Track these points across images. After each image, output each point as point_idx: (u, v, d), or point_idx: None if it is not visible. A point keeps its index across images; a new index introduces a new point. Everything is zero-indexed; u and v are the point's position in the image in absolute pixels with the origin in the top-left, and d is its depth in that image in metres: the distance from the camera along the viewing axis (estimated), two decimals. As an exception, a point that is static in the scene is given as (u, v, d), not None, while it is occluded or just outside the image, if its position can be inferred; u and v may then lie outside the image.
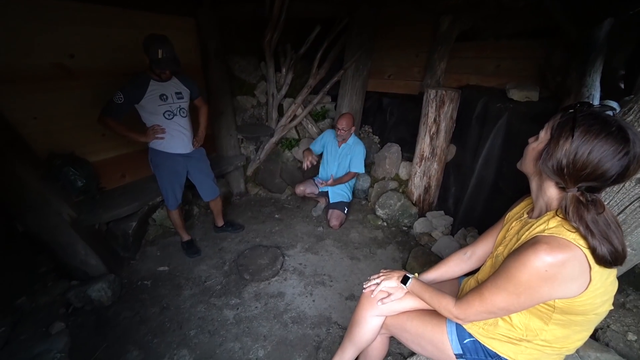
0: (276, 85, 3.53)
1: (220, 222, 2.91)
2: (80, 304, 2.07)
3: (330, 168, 3.18)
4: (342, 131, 2.93)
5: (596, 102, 1.84)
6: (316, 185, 3.17)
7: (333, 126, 3.67)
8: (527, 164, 0.93)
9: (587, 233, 0.76)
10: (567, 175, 0.79)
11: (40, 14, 2.05)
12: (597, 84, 1.86)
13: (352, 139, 3.07)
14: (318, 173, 3.35)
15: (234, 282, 2.34)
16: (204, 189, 2.60)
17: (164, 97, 2.15)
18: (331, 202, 3.13)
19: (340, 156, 3.11)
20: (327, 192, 3.17)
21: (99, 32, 2.34)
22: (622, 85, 1.95)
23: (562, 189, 0.84)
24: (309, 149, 3.22)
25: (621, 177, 0.75)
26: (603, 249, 0.75)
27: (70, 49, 2.23)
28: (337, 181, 3.06)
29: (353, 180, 3.25)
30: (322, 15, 3.24)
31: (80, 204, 2.33)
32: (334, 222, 2.97)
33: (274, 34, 3.13)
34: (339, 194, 3.13)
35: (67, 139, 2.32)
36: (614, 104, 1.88)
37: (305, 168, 3.06)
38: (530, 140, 0.93)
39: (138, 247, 2.67)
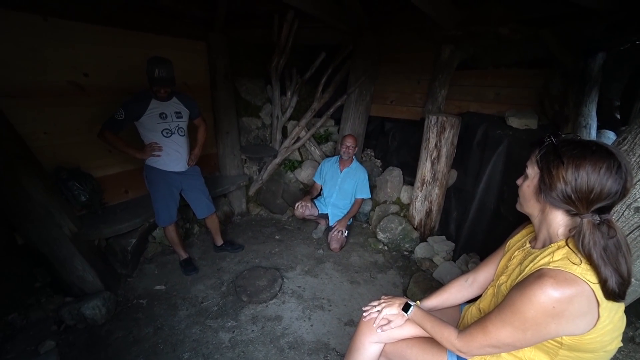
0: (281, 108, 3.62)
1: (219, 241, 2.89)
2: (73, 321, 2.02)
3: (329, 195, 3.15)
4: (349, 148, 2.95)
5: (593, 131, 1.87)
6: (316, 206, 3.15)
7: (330, 154, 3.75)
8: (528, 203, 0.93)
9: (599, 262, 0.74)
10: (577, 201, 0.79)
11: (61, 36, 2.18)
12: (594, 113, 1.90)
13: (355, 164, 3.08)
14: (320, 194, 3.33)
15: (231, 303, 2.29)
16: (198, 206, 2.60)
17: (164, 115, 2.21)
18: (331, 224, 3.10)
19: (342, 181, 3.09)
20: (327, 214, 3.15)
21: (113, 52, 2.46)
22: (618, 116, 1.99)
23: (573, 215, 0.82)
24: (307, 195, 3.20)
25: (624, 190, 0.76)
26: (613, 281, 0.73)
27: (85, 68, 2.34)
28: (348, 216, 3.05)
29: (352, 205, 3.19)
30: (327, 42, 3.38)
31: (82, 218, 2.34)
32: (334, 245, 2.94)
33: (280, 58, 3.25)
34: (339, 216, 3.11)
35: (74, 154, 2.37)
36: (611, 134, 1.91)
37: (298, 212, 3.05)
38: (519, 182, 0.96)
39: (136, 264, 2.64)
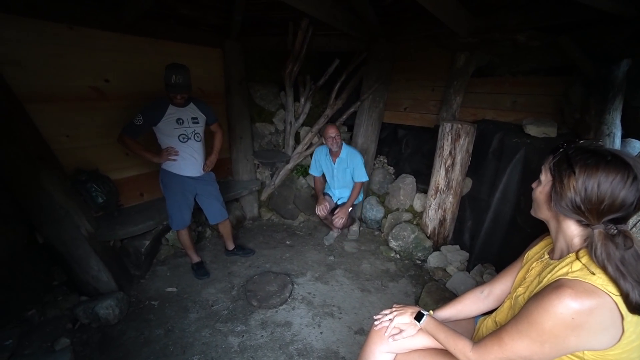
0: (294, 114, 3.65)
1: (230, 246, 2.90)
2: (87, 320, 2.06)
3: (332, 185, 3.15)
4: (335, 139, 2.83)
5: (618, 140, 1.81)
6: (331, 196, 3.16)
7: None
8: (541, 209, 0.91)
9: (617, 275, 0.71)
10: (586, 212, 0.77)
11: (85, 43, 2.27)
12: (618, 122, 1.83)
13: (345, 151, 2.96)
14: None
15: (241, 307, 2.29)
16: (211, 212, 2.62)
17: (180, 121, 2.26)
18: (339, 203, 3.09)
19: (337, 171, 3.03)
20: (334, 196, 3.15)
21: (133, 59, 2.55)
22: (645, 124, 1.91)
23: (585, 225, 0.80)
24: (323, 194, 3.16)
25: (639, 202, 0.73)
26: (636, 295, 0.69)
27: (106, 74, 2.42)
28: (349, 203, 2.98)
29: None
30: (341, 49, 3.40)
31: (99, 219, 2.40)
32: (338, 225, 2.94)
33: (294, 65, 3.28)
34: (347, 197, 3.09)
35: (93, 156, 2.45)
36: (637, 143, 1.84)
37: (320, 213, 3.00)
38: (534, 185, 0.94)
39: (149, 266, 2.68)
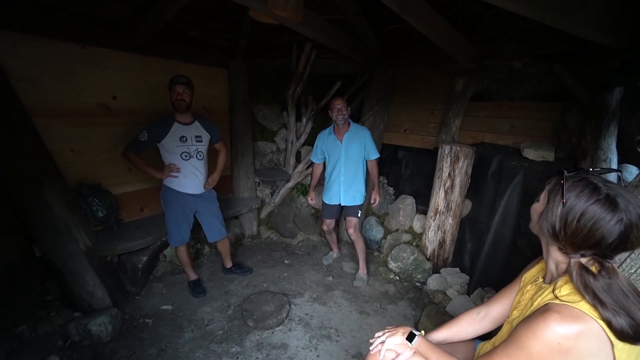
0: (296, 133, 3.71)
1: (228, 264, 2.88)
2: (79, 337, 2.02)
3: (336, 175, 2.77)
4: (342, 110, 2.58)
5: (614, 165, 1.83)
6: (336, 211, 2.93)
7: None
8: (533, 225, 0.93)
9: (595, 302, 0.72)
10: (563, 241, 0.79)
11: (95, 61, 2.36)
12: (613, 147, 1.86)
13: (354, 125, 2.73)
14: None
15: (236, 327, 2.24)
16: (210, 230, 2.61)
17: (184, 138, 2.29)
18: (344, 204, 2.79)
19: (346, 148, 2.70)
20: (339, 204, 2.83)
21: (140, 77, 2.63)
22: (640, 150, 1.94)
23: (565, 253, 0.83)
24: (311, 189, 3.01)
25: (623, 244, 0.74)
26: (620, 321, 0.69)
27: (114, 91, 2.50)
28: (376, 185, 2.81)
29: (364, 175, 2.84)
30: (343, 71, 3.50)
31: (98, 233, 2.40)
32: (351, 231, 2.81)
33: (297, 86, 3.37)
34: (354, 196, 2.78)
35: (96, 171, 2.48)
36: (634, 169, 1.86)
37: (310, 202, 3.01)
38: (535, 201, 0.95)
39: (145, 282, 2.64)
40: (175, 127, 2.26)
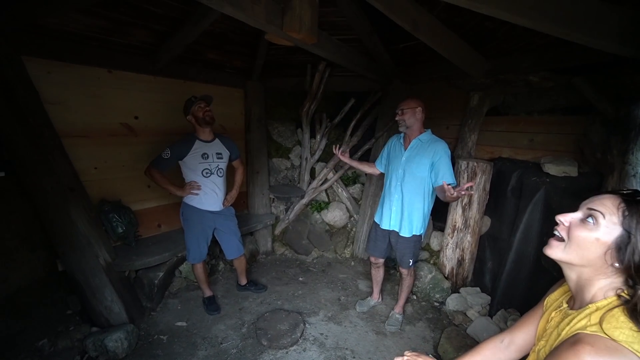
0: (310, 150, 3.74)
1: (243, 281, 2.87)
2: (96, 353, 2.04)
3: (395, 183, 2.22)
4: (405, 114, 2.12)
5: (643, 180, 1.74)
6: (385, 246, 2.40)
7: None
8: (588, 254, 0.75)
9: None
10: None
11: (120, 85, 2.49)
12: (642, 162, 1.77)
13: (427, 134, 2.18)
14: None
15: (250, 346, 2.21)
16: (228, 247, 2.62)
17: (205, 155, 2.33)
18: (404, 235, 2.23)
19: (407, 160, 2.16)
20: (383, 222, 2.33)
21: (161, 98, 2.75)
22: (672, 165, 1.84)
23: (630, 285, 0.72)
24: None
25: None
26: None
27: (136, 112, 2.62)
28: (456, 189, 1.80)
29: (428, 203, 2.20)
30: (357, 89, 3.55)
31: (116, 249, 2.46)
32: (404, 271, 2.35)
33: (311, 104, 3.43)
34: (416, 226, 2.20)
35: (118, 188, 2.57)
36: (665, 184, 1.76)
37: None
38: (567, 219, 0.80)
39: (161, 298, 2.67)
40: (197, 144, 2.31)
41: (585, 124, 2.20)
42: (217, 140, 2.43)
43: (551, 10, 1.42)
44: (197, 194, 2.35)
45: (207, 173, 2.35)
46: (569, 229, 0.79)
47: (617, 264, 0.72)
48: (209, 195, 2.40)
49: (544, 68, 2.24)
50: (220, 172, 2.44)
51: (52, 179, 2.08)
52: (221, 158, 2.43)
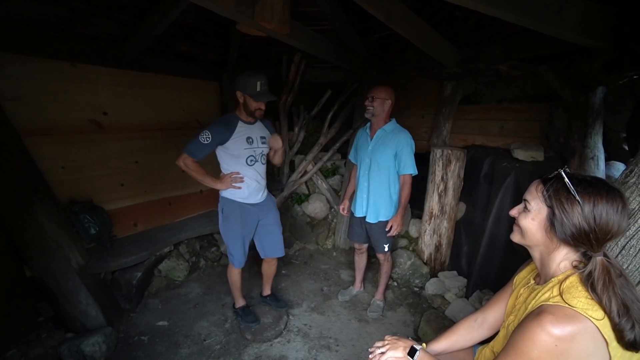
0: (289, 143, 3.72)
1: (267, 290, 2.53)
2: (71, 359, 1.96)
3: (362, 180, 2.29)
4: (374, 101, 2.12)
5: (601, 163, 1.86)
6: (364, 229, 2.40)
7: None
8: (534, 236, 0.88)
9: (620, 310, 0.71)
10: (594, 240, 0.77)
11: (87, 79, 2.37)
12: (600, 145, 1.89)
13: (392, 124, 2.20)
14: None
15: (234, 341, 2.20)
16: (269, 244, 2.27)
17: (250, 140, 1.99)
18: (369, 221, 2.29)
19: (373, 150, 2.20)
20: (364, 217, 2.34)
21: (132, 92, 2.64)
22: (626, 147, 1.98)
23: (583, 253, 0.81)
24: (345, 196, 2.57)
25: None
26: (631, 335, 0.70)
27: (104, 107, 2.50)
28: (402, 209, 2.17)
29: (396, 190, 2.24)
30: (334, 80, 3.54)
31: (90, 251, 2.37)
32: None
33: (288, 96, 3.40)
34: (382, 212, 2.25)
35: (88, 187, 2.46)
36: (621, 166, 1.89)
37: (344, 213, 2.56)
38: (514, 213, 0.94)
39: (140, 298, 2.60)
40: (240, 126, 1.96)
41: (550, 110, 2.31)
42: (259, 122, 2.07)
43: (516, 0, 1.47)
44: (239, 188, 2.01)
45: (251, 161, 1.99)
46: (518, 220, 0.93)
47: (557, 239, 0.82)
48: (252, 186, 2.05)
49: (512, 57, 2.33)
50: (264, 159, 2.10)
51: (14, 180, 1.96)
52: (265, 143, 2.08)
